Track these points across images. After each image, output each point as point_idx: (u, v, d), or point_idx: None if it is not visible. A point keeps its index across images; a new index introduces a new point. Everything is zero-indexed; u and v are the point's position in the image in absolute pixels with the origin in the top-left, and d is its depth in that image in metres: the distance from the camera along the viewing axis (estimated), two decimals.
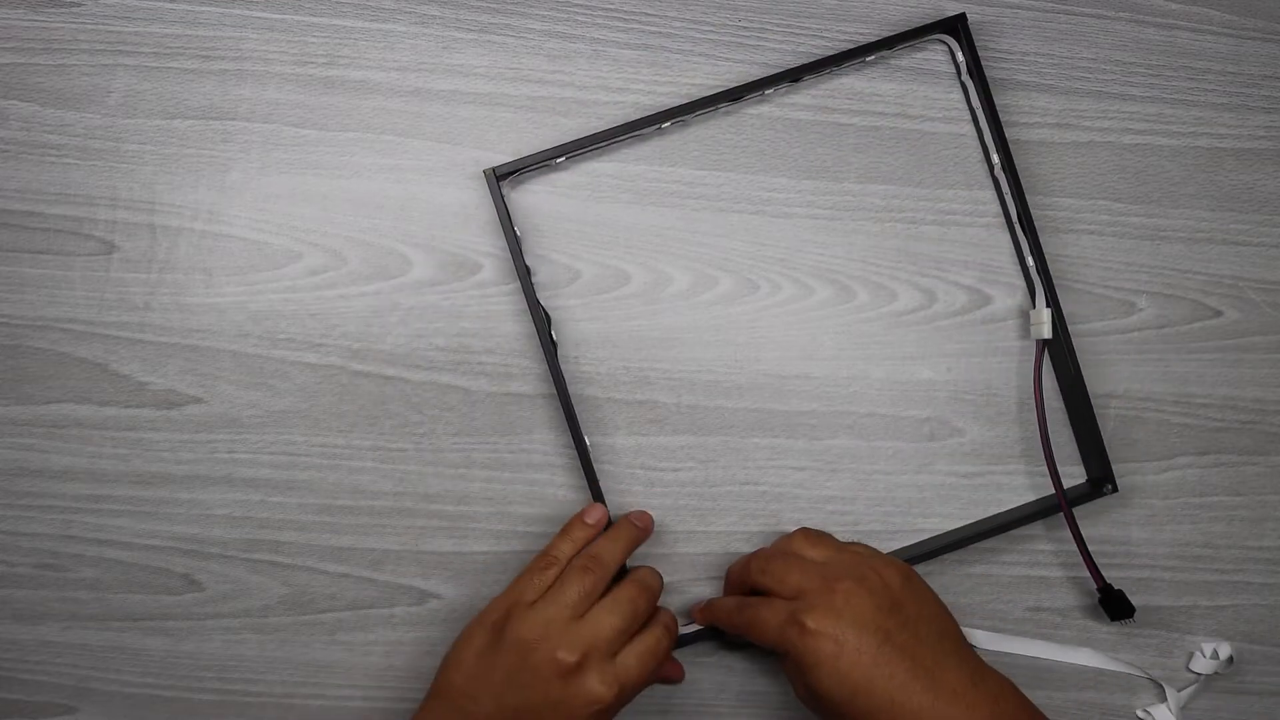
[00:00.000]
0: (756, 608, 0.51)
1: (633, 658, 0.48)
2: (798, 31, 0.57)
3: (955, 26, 0.56)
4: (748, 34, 0.57)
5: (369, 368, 0.56)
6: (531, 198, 0.56)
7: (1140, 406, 0.58)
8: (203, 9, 0.55)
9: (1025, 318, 0.58)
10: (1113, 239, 0.58)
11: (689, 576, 0.57)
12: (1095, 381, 0.58)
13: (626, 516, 0.54)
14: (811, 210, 0.57)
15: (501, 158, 0.56)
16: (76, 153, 0.55)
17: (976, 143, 0.58)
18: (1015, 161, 0.56)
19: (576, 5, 0.57)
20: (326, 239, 0.55)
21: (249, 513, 0.55)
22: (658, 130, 0.56)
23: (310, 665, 0.56)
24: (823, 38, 0.57)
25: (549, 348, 0.54)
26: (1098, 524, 0.58)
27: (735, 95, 0.55)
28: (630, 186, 0.57)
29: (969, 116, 0.57)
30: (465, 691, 0.48)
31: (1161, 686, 0.57)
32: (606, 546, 0.51)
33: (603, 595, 0.50)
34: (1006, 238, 0.58)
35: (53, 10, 0.55)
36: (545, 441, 0.56)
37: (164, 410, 0.55)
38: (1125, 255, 0.58)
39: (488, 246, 0.56)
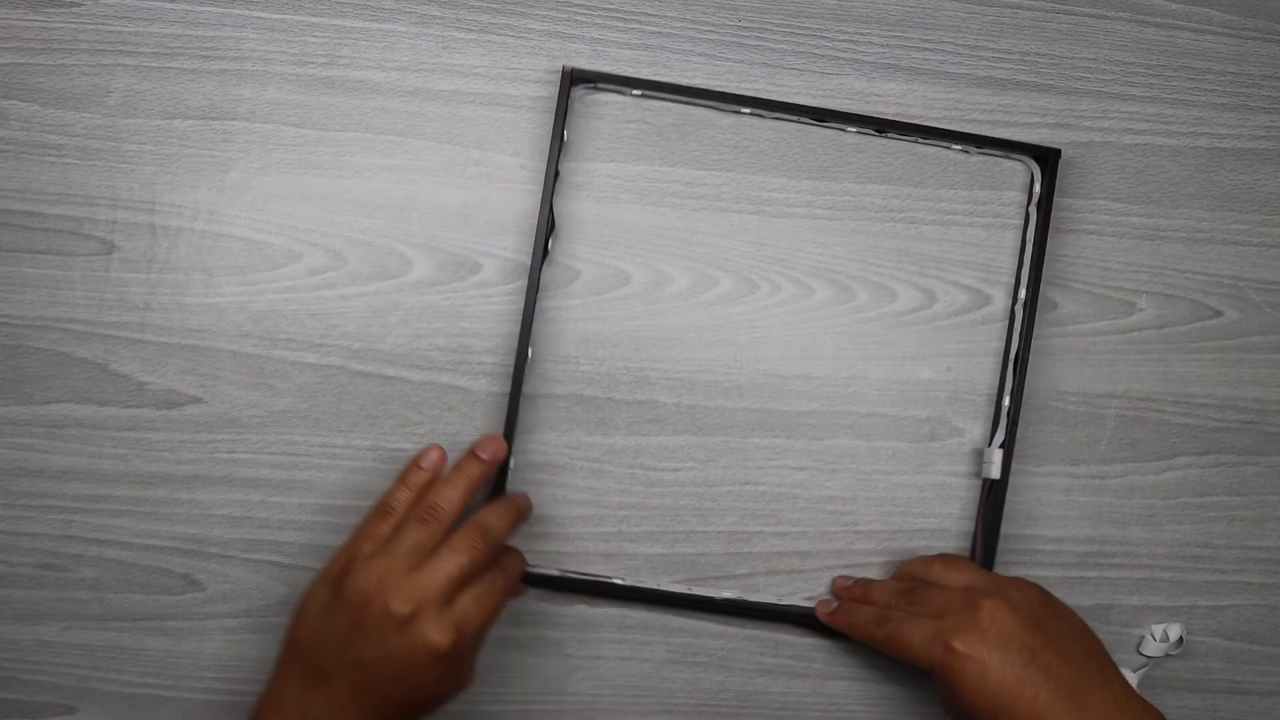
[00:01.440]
0: (899, 624, 0.51)
1: (469, 602, 0.48)
2: (797, 31, 0.57)
3: (1047, 158, 0.57)
4: (748, 34, 0.57)
5: (369, 368, 0.55)
6: (534, 199, 0.56)
7: (1140, 406, 0.58)
8: (203, 9, 0.55)
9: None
10: (1113, 239, 0.58)
11: (689, 576, 0.57)
12: (1095, 381, 0.58)
13: (469, 452, 0.52)
14: (811, 210, 0.57)
15: (502, 157, 0.56)
16: (76, 153, 0.55)
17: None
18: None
19: (576, 5, 0.57)
20: (326, 239, 0.55)
21: (249, 513, 0.55)
22: (735, 112, 0.56)
23: None
24: (823, 37, 0.57)
25: (539, 250, 0.54)
26: (1098, 524, 0.58)
27: (819, 116, 0.56)
28: (630, 186, 0.57)
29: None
30: (311, 646, 0.48)
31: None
32: (444, 492, 0.50)
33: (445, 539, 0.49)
34: (1007, 237, 0.58)
35: (53, 10, 0.55)
36: (545, 441, 0.56)
37: (164, 410, 0.55)
38: (1125, 255, 0.58)
39: (488, 246, 0.56)
